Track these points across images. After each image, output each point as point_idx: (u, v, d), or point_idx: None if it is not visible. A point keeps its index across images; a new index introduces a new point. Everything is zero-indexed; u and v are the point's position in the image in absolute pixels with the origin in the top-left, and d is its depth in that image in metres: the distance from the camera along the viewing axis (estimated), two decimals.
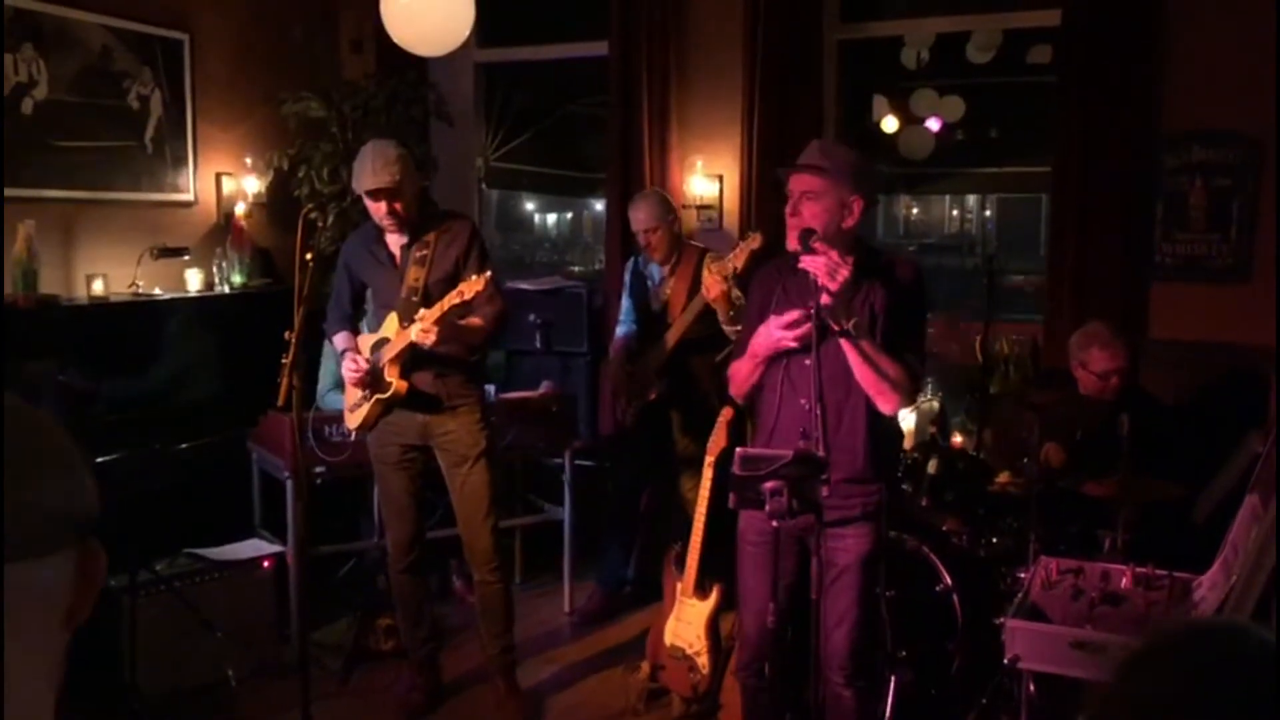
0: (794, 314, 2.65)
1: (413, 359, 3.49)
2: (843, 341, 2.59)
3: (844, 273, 2.48)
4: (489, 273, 3.28)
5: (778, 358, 2.80)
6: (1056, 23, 4.75)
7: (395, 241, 3.61)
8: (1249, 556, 2.34)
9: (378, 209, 3.48)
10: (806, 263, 2.57)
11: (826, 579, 2.70)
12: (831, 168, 2.70)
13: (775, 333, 2.68)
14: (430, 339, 3.29)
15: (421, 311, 3.31)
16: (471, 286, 3.23)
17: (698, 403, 4.37)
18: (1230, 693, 0.83)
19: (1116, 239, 4.64)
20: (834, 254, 2.53)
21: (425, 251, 3.53)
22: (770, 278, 2.92)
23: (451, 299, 3.25)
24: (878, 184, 2.96)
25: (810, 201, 2.68)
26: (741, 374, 2.87)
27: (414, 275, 3.52)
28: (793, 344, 2.65)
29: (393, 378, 3.50)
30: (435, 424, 3.61)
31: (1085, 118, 4.63)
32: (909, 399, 2.78)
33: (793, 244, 2.71)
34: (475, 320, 3.43)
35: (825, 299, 2.51)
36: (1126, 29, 4.54)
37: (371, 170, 3.41)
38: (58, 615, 0.88)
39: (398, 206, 3.47)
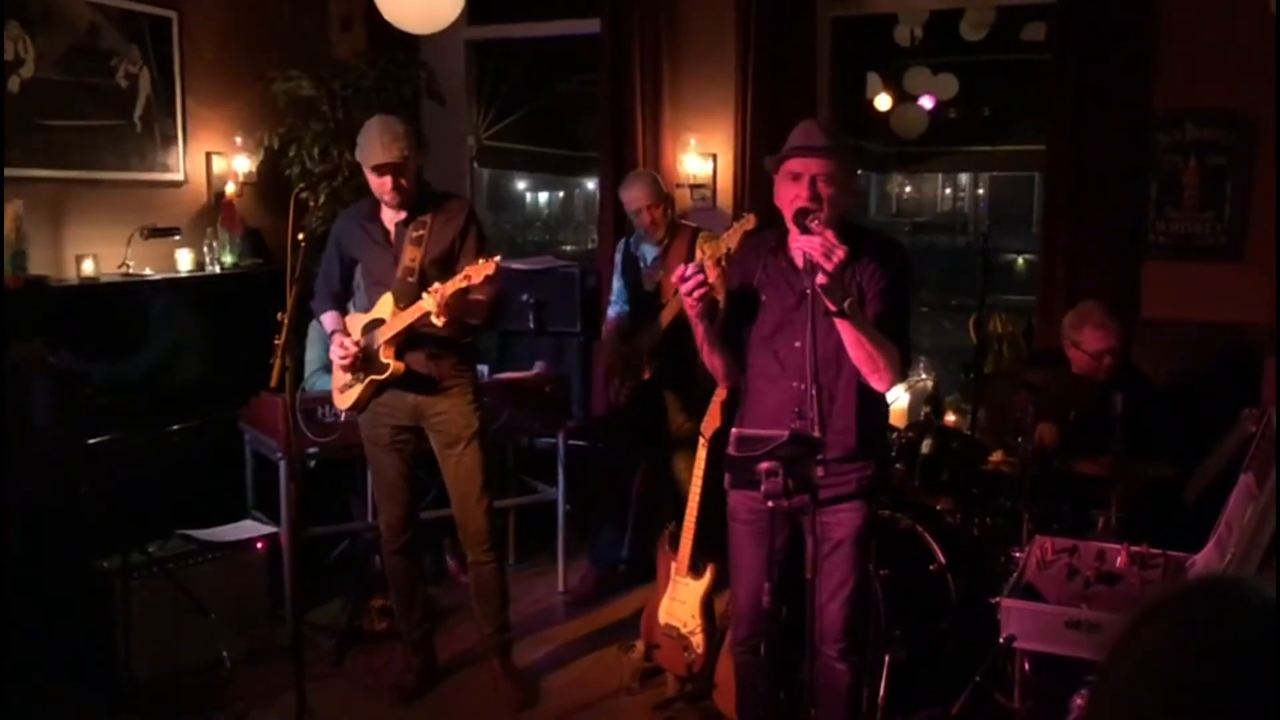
0: (681, 269, 2.62)
1: (407, 339, 3.48)
2: (838, 321, 2.57)
3: (840, 253, 2.47)
4: (498, 257, 3.26)
5: (768, 339, 2.78)
6: (1051, 0, 4.73)
7: (390, 219, 3.58)
8: (1244, 535, 2.34)
9: (382, 184, 3.46)
10: (802, 243, 2.55)
11: (820, 555, 2.70)
12: (839, 148, 2.70)
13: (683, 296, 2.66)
14: (443, 319, 3.28)
15: (435, 285, 3.28)
16: (480, 270, 3.20)
17: (691, 383, 4.36)
18: (1229, 642, 0.83)
19: (1110, 217, 4.64)
20: (829, 234, 2.51)
21: (422, 232, 3.51)
22: (750, 259, 2.89)
23: (458, 283, 3.22)
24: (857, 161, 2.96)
25: (826, 184, 2.66)
26: (704, 358, 2.85)
27: (410, 255, 3.50)
28: (692, 300, 2.63)
29: (389, 358, 3.48)
30: (428, 405, 3.59)
31: (1079, 96, 4.62)
32: (901, 376, 2.78)
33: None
34: (479, 297, 3.41)
35: (821, 279, 2.50)
36: (1121, 6, 4.53)
37: (381, 145, 3.39)
38: None
39: (403, 182, 3.45)
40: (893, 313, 2.73)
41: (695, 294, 2.62)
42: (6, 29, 4.47)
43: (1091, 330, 3.90)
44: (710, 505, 3.63)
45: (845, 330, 2.60)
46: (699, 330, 2.77)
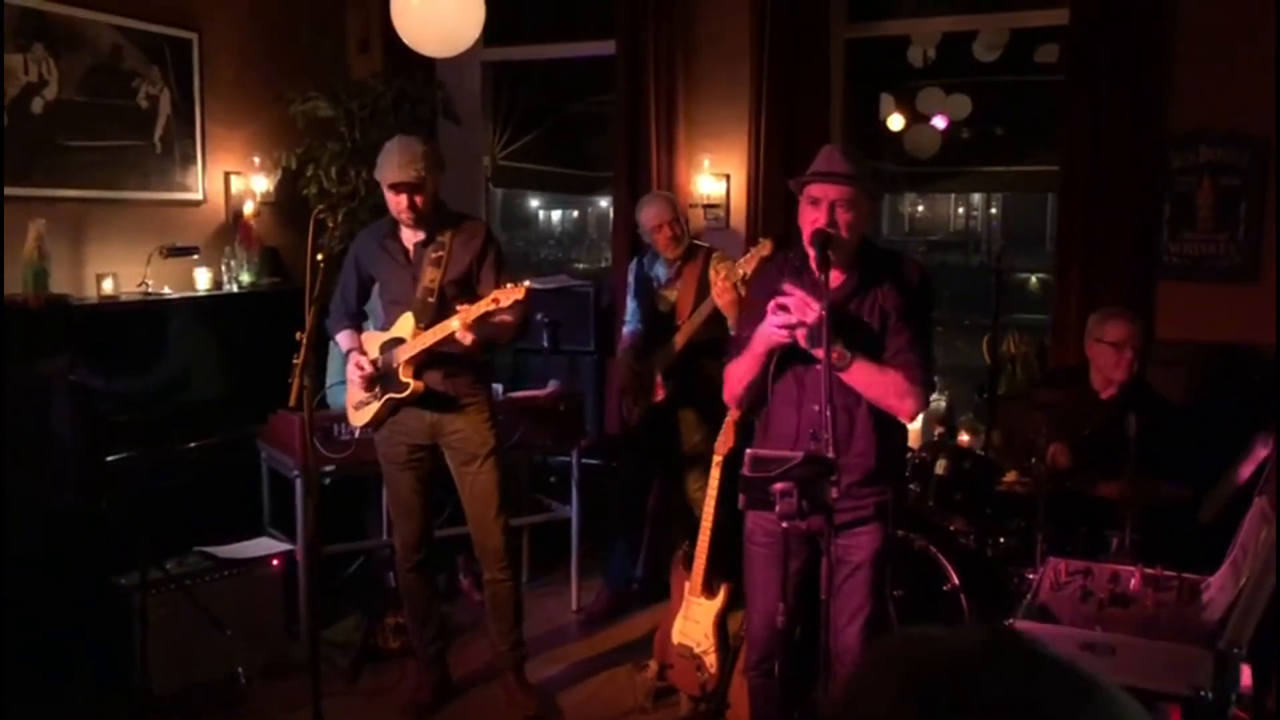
0: (801, 296, 2.62)
1: (426, 359, 3.51)
2: (839, 374, 2.61)
3: (813, 313, 2.52)
4: (528, 283, 3.30)
5: (789, 363, 2.79)
6: (1064, 21, 4.75)
7: (409, 238, 3.62)
8: (1259, 558, 2.35)
9: (398, 202, 3.50)
10: (782, 299, 2.59)
11: (838, 577, 2.71)
12: (860, 175, 2.73)
13: (767, 325, 2.68)
14: (469, 338, 3.31)
15: (462, 306, 3.32)
16: (509, 294, 3.24)
17: (705, 404, 4.37)
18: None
19: (1124, 238, 4.64)
20: (799, 294, 2.55)
21: (441, 253, 3.55)
22: (772, 278, 2.90)
23: (485, 305, 3.27)
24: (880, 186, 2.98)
25: (844, 210, 2.69)
26: (737, 373, 2.84)
27: (430, 276, 3.54)
28: (781, 335, 2.64)
29: (408, 378, 3.51)
30: (445, 423, 3.62)
31: (1093, 117, 4.64)
32: (924, 401, 2.79)
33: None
34: (506, 317, 3.44)
35: (800, 334, 2.55)
36: (1135, 28, 4.55)
37: (398, 164, 3.44)
38: None
39: (418, 201, 3.49)
40: (915, 334, 2.74)
41: (785, 333, 2.62)
42: (30, 51, 4.54)
43: (1114, 322, 3.91)
44: (724, 525, 3.64)
45: (848, 379, 2.64)
46: (755, 361, 2.77)
